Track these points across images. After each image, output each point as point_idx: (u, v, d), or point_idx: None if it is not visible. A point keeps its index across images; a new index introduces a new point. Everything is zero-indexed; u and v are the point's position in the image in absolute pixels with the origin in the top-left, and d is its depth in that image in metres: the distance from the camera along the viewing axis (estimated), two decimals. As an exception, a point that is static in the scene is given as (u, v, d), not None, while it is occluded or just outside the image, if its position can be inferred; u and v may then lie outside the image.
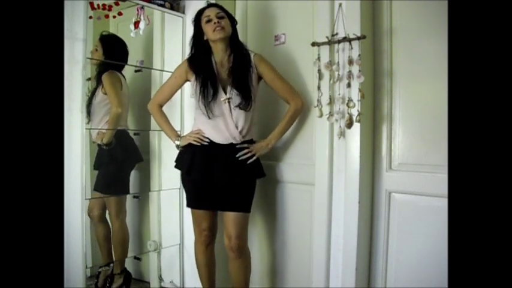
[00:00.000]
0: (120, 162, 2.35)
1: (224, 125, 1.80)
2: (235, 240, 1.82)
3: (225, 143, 1.81)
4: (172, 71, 2.38)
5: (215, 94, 1.77)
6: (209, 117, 1.78)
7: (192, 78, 1.85)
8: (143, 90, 2.58)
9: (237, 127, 1.80)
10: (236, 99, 1.77)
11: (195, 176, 1.84)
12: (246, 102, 1.78)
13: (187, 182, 1.91)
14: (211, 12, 1.80)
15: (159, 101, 1.97)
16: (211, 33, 1.79)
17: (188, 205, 1.93)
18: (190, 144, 1.85)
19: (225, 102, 1.78)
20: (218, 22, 1.77)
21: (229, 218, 1.83)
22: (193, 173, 1.84)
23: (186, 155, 1.86)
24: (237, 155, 1.80)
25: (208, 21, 1.79)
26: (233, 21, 1.87)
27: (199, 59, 1.85)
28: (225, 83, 1.81)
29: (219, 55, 1.84)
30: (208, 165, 1.81)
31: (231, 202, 1.83)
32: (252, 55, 1.87)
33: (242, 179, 1.84)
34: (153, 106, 1.97)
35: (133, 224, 2.71)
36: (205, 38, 1.83)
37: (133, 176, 2.65)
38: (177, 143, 1.90)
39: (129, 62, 2.56)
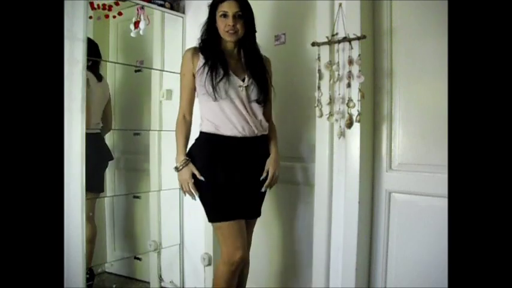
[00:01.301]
0: (94, 164, 2.24)
1: (248, 116, 1.66)
2: (248, 247, 1.74)
3: (245, 136, 1.65)
4: (172, 70, 2.41)
5: (225, 75, 1.62)
6: (215, 99, 1.61)
7: (199, 63, 1.66)
8: (143, 90, 2.58)
9: (258, 119, 1.69)
10: (255, 92, 1.67)
11: (221, 181, 1.63)
12: (264, 95, 1.69)
13: (211, 190, 1.64)
14: (230, 9, 1.62)
15: (184, 111, 1.71)
16: (222, 31, 1.65)
17: (218, 219, 1.64)
18: (202, 145, 1.68)
19: (242, 90, 1.65)
20: (233, 25, 1.62)
21: (248, 225, 1.73)
22: (217, 177, 1.63)
23: (201, 160, 1.66)
24: (264, 188, 1.72)
25: (224, 16, 1.63)
26: (250, 21, 1.69)
27: (208, 43, 1.70)
28: (236, 71, 1.67)
29: (227, 47, 1.71)
30: (232, 165, 1.65)
31: (256, 207, 1.75)
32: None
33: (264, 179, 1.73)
34: (179, 119, 1.72)
35: (134, 224, 2.72)
36: (216, 25, 1.69)
37: (133, 176, 2.66)
38: (177, 166, 1.67)
39: (129, 62, 2.56)
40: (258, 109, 1.69)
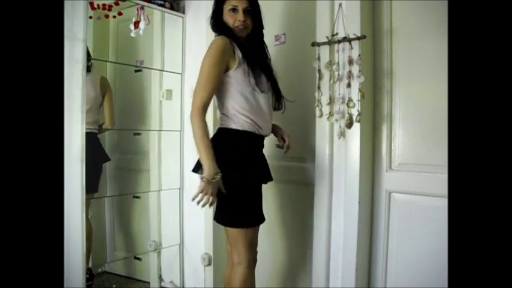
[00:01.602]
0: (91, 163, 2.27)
1: (271, 116, 1.66)
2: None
3: (267, 136, 1.66)
4: (172, 70, 2.41)
5: (262, 68, 1.60)
6: (259, 91, 1.55)
7: (238, 53, 1.56)
8: (143, 90, 2.58)
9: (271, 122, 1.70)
10: (274, 97, 1.68)
11: (255, 185, 1.59)
12: (281, 103, 1.70)
13: (248, 196, 1.56)
14: (240, 4, 1.57)
15: (205, 101, 1.49)
16: (231, 25, 1.59)
17: (249, 224, 1.56)
18: (240, 147, 1.55)
19: (270, 90, 1.64)
20: (243, 21, 1.58)
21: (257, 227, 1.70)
22: (253, 181, 1.58)
23: (239, 164, 1.54)
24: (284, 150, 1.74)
25: (233, 10, 1.58)
26: (259, 17, 1.66)
27: (229, 36, 1.59)
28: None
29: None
30: (260, 167, 1.63)
31: None
32: None
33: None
34: (198, 109, 1.48)
35: (133, 224, 2.72)
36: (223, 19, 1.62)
37: (133, 176, 2.65)
38: (207, 178, 1.45)
39: (129, 62, 2.56)
40: (273, 113, 1.70)
